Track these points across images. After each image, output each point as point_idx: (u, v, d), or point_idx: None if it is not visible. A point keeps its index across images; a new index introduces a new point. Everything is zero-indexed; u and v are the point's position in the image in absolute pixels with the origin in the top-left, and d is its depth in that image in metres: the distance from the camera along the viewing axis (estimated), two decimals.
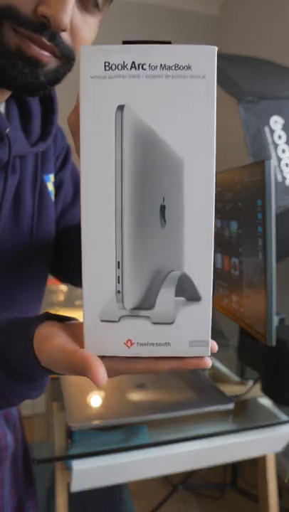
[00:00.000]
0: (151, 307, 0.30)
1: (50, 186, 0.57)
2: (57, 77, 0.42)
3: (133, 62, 0.28)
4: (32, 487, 0.73)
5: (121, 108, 0.28)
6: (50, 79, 0.42)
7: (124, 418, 0.79)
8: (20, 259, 0.53)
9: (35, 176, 0.53)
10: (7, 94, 0.48)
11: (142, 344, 0.30)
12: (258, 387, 0.94)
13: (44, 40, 0.38)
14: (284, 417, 0.86)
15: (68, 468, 0.73)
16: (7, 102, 0.50)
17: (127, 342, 0.30)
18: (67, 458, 0.73)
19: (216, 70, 0.28)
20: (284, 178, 1.12)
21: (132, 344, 0.30)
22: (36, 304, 0.60)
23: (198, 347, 0.30)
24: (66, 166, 0.62)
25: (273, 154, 1.13)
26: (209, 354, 0.30)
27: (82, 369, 0.27)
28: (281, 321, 0.96)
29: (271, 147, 1.13)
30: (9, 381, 0.35)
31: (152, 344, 0.30)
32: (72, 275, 0.63)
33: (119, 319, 0.30)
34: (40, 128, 0.53)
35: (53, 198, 0.57)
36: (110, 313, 0.29)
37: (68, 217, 0.63)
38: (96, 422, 0.77)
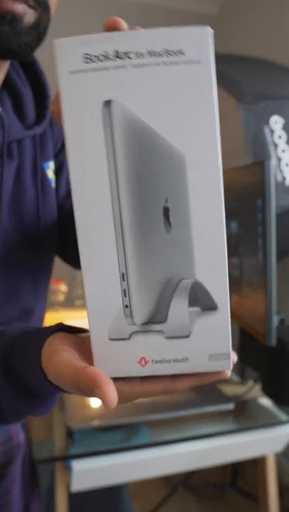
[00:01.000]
0: (163, 320, 0.27)
1: (50, 173, 0.56)
2: (39, 31, 0.41)
3: (116, 51, 0.24)
4: (37, 488, 0.72)
5: (108, 103, 0.24)
6: (34, 35, 0.41)
7: (124, 418, 0.79)
8: (25, 248, 0.53)
9: (34, 163, 0.53)
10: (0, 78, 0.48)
11: (157, 361, 0.27)
12: (258, 387, 0.94)
13: None
14: (284, 417, 0.86)
15: (68, 468, 0.73)
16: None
17: (141, 360, 0.27)
18: (67, 458, 0.73)
19: (213, 54, 0.25)
20: (284, 178, 1.12)
21: (146, 362, 0.27)
22: (42, 295, 0.59)
23: (219, 360, 0.27)
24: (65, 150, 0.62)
25: (273, 154, 1.13)
26: (231, 367, 0.27)
27: (90, 386, 0.25)
28: (281, 321, 0.96)
29: (271, 147, 1.13)
30: (16, 396, 0.33)
31: (168, 361, 0.27)
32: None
33: (130, 336, 0.27)
34: (35, 113, 0.53)
35: (53, 185, 0.57)
36: (119, 330, 0.27)
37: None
38: (96, 422, 0.77)
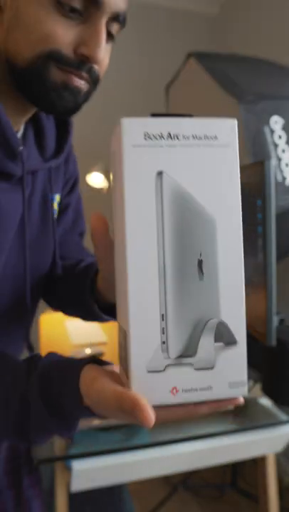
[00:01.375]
0: (193, 354, 0.32)
1: (55, 206, 0.61)
2: (87, 99, 0.51)
3: (169, 133, 0.31)
4: (35, 475, 0.71)
5: (160, 174, 0.31)
6: (83, 103, 0.50)
7: None
8: (25, 272, 0.55)
9: (44, 194, 0.58)
10: (28, 116, 0.54)
11: (186, 390, 0.32)
12: (258, 387, 0.94)
13: (84, 73, 0.46)
14: (284, 417, 0.86)
15: (68, 468, 0.73)
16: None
17: (173, 390, 0.31)
18: (67, 458, 0.73)
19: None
20: (284, 178, 1.12)
21: (176, 391, 0.31)
22: (34, 313, 0.62)
23: (237, 388, 0.33)
24: (74, 192, 0.67)
25: (273, 154, 1.13)
26: (247, 394, 0.33)
27: (131, 408, 0.29)
28: (281, 321, 0.96)
29: (271, 147, 1.13)
30: (49, 415, 0.37)
31: (196, 389, 0.32)
32: (65, 305, 0.66)
33: (165, 368, 0.31)
34: (55, 146, 0.58)
35: (55, 216, 0.61)
36: (156, 363, 0.31)
37: (66, 241, 0.66)
38: (96, 422, 0.77)
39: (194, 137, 0.32)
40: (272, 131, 1.14)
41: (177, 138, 0.32)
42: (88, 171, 2.06)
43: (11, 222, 0.52)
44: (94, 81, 0.49)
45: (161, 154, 0.31)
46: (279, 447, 0.87)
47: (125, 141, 0.31)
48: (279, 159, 1.13)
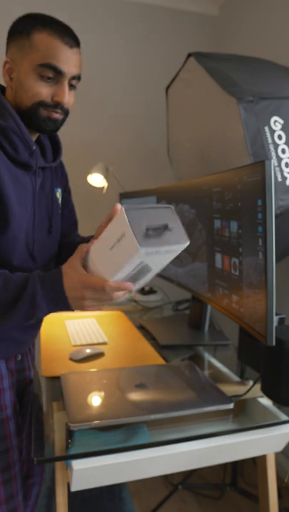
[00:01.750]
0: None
1: (58, 195, 0.99)
2: (62, 124, 0.87)
3: (154, 226, 0.64)
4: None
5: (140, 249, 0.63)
6: (60, 125, 0.86)
7: (124, 418, 0.79)
8: (48, 234, 0.94)
9: (51, 185, 0.95)
10: (35, 138, 0.90)
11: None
12: (258, 387, 0.94)
13: (59, 110, 0.83)
14: (284, 417, 0.86)
15: (68, 469, 0.73)
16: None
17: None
18: (67, 458, 0.73)
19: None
20: (284, 178, 1.12)
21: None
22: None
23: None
24: (70, 195, 1.08)
25: (273, 154, 1.13)
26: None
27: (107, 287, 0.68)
28: (281, 321, 0.96)
29: (271, 147, 1.13)
30: (49, 303, 0.70)
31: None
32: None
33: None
34: (52, 156, 0.97)
35: (59, 202, 1.00)
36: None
37: (66, 227, 1.07)
38: (96, 422, 0.77)
39: (163, 227, 0.64)
40: (272, 131, 1.14)
41: (159, 228, 0.64)
42: (89, 171, 2.06)
43: (31, 198, 0.87)
44: (65, 113, 0.85)
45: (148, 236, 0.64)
46: (279, 447, 0.87)
47: (136, 231, 0.62)
48: (279, 159, 1.13)
